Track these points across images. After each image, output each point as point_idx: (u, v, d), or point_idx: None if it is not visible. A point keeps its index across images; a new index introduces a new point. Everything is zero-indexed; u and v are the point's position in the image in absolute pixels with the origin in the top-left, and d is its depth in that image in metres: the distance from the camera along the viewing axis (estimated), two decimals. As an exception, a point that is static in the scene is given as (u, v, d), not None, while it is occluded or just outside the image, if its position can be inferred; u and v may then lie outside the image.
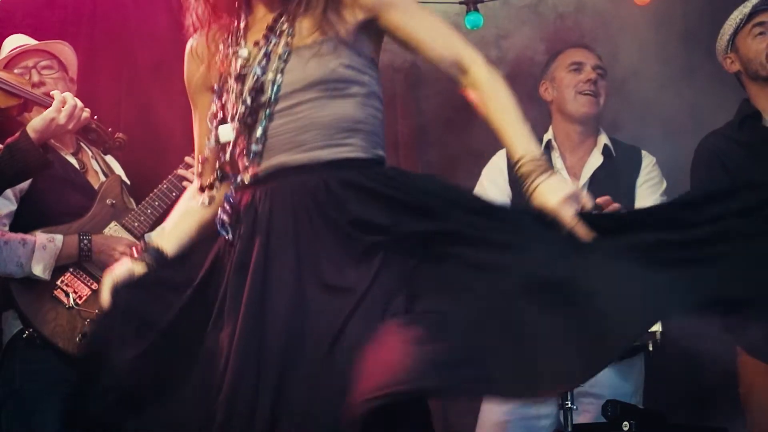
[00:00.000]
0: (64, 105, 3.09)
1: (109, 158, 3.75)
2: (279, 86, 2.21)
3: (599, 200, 3.23)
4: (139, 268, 2.32)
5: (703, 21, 4.14)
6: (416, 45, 2.27)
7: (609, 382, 3.57)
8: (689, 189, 3.50)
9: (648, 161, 3.77)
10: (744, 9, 3.54)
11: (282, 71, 2.22)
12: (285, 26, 2.26)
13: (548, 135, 3.84)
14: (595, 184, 3.72)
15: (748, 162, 3.44)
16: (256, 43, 2.28)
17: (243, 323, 2.08)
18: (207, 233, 2.35)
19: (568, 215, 2.08)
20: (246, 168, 2.24)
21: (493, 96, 2.24)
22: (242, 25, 2.33)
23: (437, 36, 2.27)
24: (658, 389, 3.75)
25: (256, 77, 2.23)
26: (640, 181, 3.73)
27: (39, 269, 3.27)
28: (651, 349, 3.25)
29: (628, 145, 3.86)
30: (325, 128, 2.21)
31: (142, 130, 4.14)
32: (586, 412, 3.51)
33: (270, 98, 2.22)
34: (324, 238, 2.14)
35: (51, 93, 3.15)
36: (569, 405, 3.24)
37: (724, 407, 3.46)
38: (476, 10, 4.32)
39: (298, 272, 2.11)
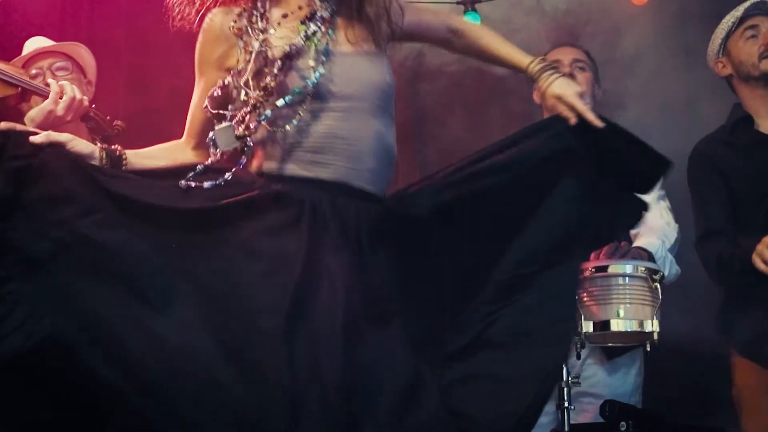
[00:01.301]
0: (62, 96, 3.06)
1: None
2: (320, 78, 2.25)
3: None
4: (92, 157, 2.25)
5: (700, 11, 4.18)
6: (426, 34, 2.57)
7: (607, 382, 3.58)
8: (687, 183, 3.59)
9: None
10: (736, 13, 3.60)
11: (326, 65, 2.27)
12: (327, 23, 2.32)
13: None
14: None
15: (742, 165, 3.48)
16: (279, 22, 2.33)
17: (325, 349, 2.04)
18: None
19: (582, 104, 2.41)
20: (284, 156, 2.26)
21: (479, 34, 2.57)
22: (268, 5, 2.35)
23: (432, 17, 2.59)
24: (656, 389, 3.74)
25: (290, 62, 2.26)
26: None
27: None
28: (648, 349, 3.23)
29: None
30: (383, 155, 2.32)
31: (140, 127, 4.12)
32: (585, 412, 3.50)
33: (310, 88, 2.25)
34: (382, 268, 2.22)
35: (48, 82, 3.11)
36: (566, 405, 3.23)
37: (721, 407, 3.46)
38: (474, 9, 4.32)
39: (362, 298, 2.16)
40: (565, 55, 3.87)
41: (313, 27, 2.29)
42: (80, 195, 2.11)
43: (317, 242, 2.15)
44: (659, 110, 4.09)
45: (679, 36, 4.34)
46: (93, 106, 3.27)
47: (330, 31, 2.31)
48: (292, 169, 2.26)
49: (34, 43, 3.61)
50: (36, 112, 3.05)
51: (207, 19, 2.38)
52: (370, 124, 2.28)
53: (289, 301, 2.05)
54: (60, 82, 3.10)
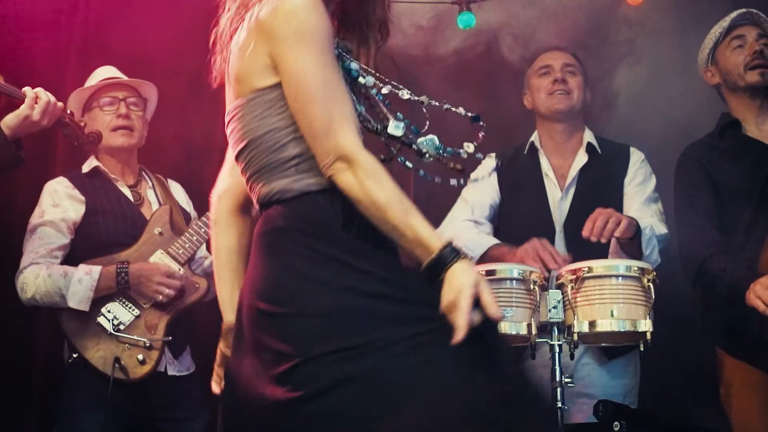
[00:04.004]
0: (38, 101, 3.08)
1: (174, 186, 3.87)
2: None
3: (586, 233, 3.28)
4: None
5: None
6: None
7: (603, 383, 3.56)
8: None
9: (636, 158, 3.78)
10: (723, 23, 3.63)
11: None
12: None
13: (533, 137, 3.89)
14: (583, 185, 3.73)
15: (729, 166, 3.50)
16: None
17: None
18: None
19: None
20: None
21: None
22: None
23: None
24: (651, 389, 3.72)
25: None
26: (627, 179, 3.73)
27: (74, 302, 3.40)
28: (642, 349, 3.20)
29: (617, 143, 3.88)
30: None
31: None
32: (582, 413, 3.49)
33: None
34: None
35: (23, 90, 3.14)
36: (559, 405, 3.21)
37: (716, 407, 3.42)
38: (469, 9, 4.34)
39: None
40: (556, 60, 3.87)
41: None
42: None
43: None
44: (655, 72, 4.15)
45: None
46: (69, 111, 3.29)
47: None
48: None
49: (105, 72, 3.73)
50: (12, 117, 3.08)
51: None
52: None
53: None
54: (35, 89, 3.13)
